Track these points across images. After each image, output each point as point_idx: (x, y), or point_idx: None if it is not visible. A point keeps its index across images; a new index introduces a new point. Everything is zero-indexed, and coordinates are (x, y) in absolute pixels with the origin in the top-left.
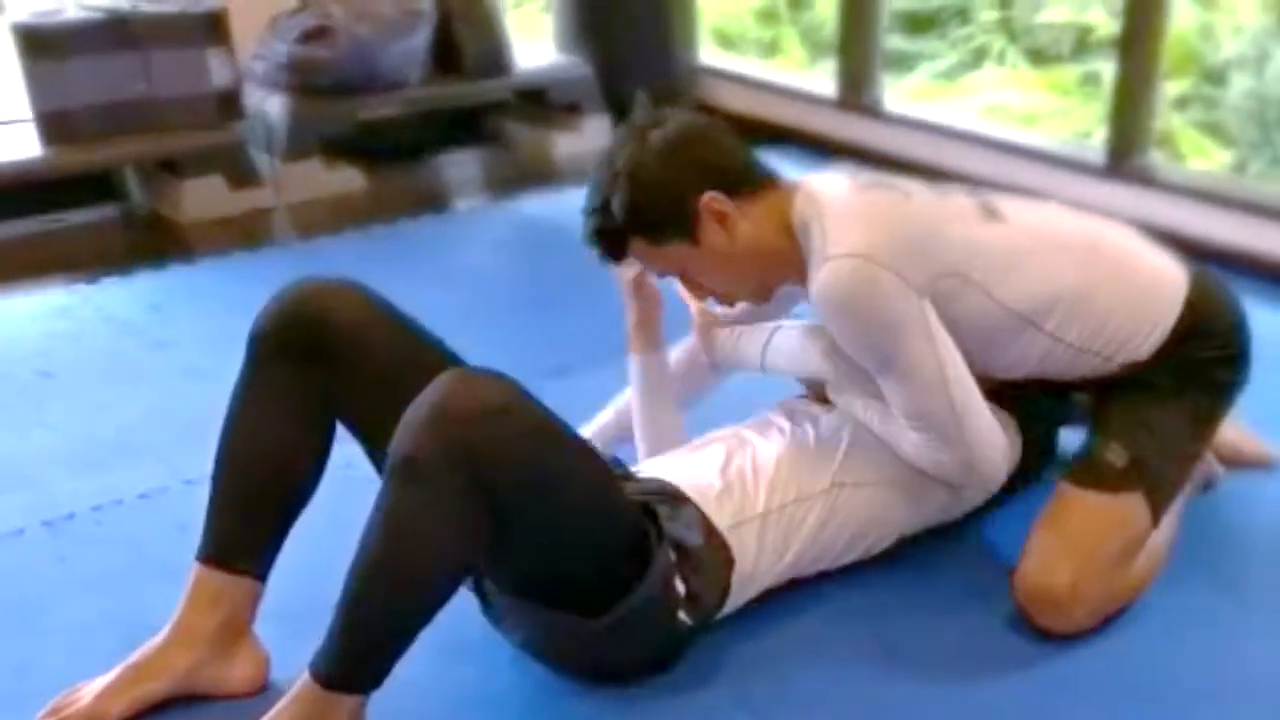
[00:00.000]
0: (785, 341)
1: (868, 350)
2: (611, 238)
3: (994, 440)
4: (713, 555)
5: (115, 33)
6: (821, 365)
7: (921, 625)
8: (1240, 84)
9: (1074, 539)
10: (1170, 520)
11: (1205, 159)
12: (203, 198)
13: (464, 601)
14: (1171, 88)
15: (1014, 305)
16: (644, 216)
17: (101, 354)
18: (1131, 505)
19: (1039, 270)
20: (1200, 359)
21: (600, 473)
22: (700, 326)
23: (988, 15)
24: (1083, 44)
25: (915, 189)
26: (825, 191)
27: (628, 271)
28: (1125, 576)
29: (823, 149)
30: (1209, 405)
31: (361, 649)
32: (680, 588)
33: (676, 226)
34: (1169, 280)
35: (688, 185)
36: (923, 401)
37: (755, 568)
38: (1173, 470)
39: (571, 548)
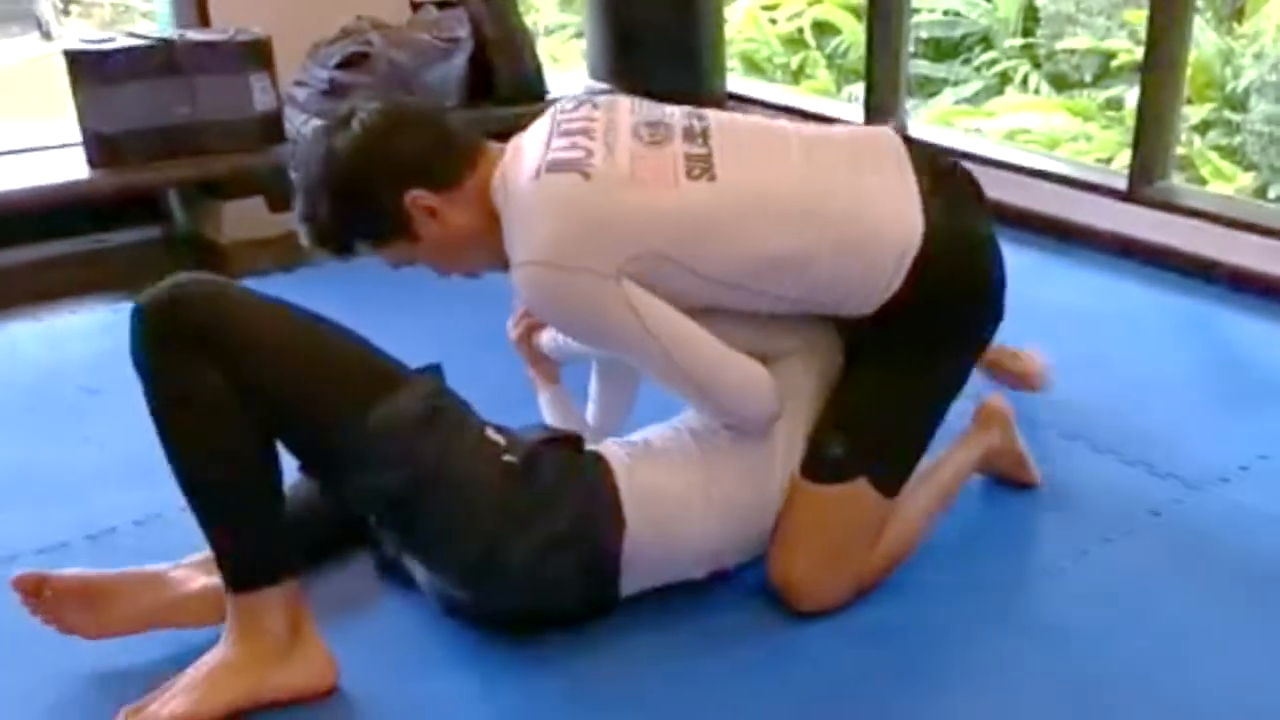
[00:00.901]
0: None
1: (586, 339)
2: (335, 244)
3: (746, 384)
4: (575, 451)
5: (162, 59)
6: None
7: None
8: (1261, 109)
9: (804, 533)
10: (938, 483)
11: (1226, 182)
12: (243, 219)
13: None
14: (1193, 112)
15: (715, 275)
16: (356, 226)
17: None
18: (856, 491)
19: (741, 238)
20: (936, 319)
21: (328, 333)
22: (518, 336)
23: (1011, 42)
24: (1104, 70)
25: (601, 147)
26: (513, 178)
27: (512, 332)
28: (871, 552)
29: None
30: (947, 368)
31: (230, 547)
32: (498, 438)
33: (391, 229)
34: (894, 240)
35: (387, 190)
36: (657, 371)
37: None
38: (903, 441)
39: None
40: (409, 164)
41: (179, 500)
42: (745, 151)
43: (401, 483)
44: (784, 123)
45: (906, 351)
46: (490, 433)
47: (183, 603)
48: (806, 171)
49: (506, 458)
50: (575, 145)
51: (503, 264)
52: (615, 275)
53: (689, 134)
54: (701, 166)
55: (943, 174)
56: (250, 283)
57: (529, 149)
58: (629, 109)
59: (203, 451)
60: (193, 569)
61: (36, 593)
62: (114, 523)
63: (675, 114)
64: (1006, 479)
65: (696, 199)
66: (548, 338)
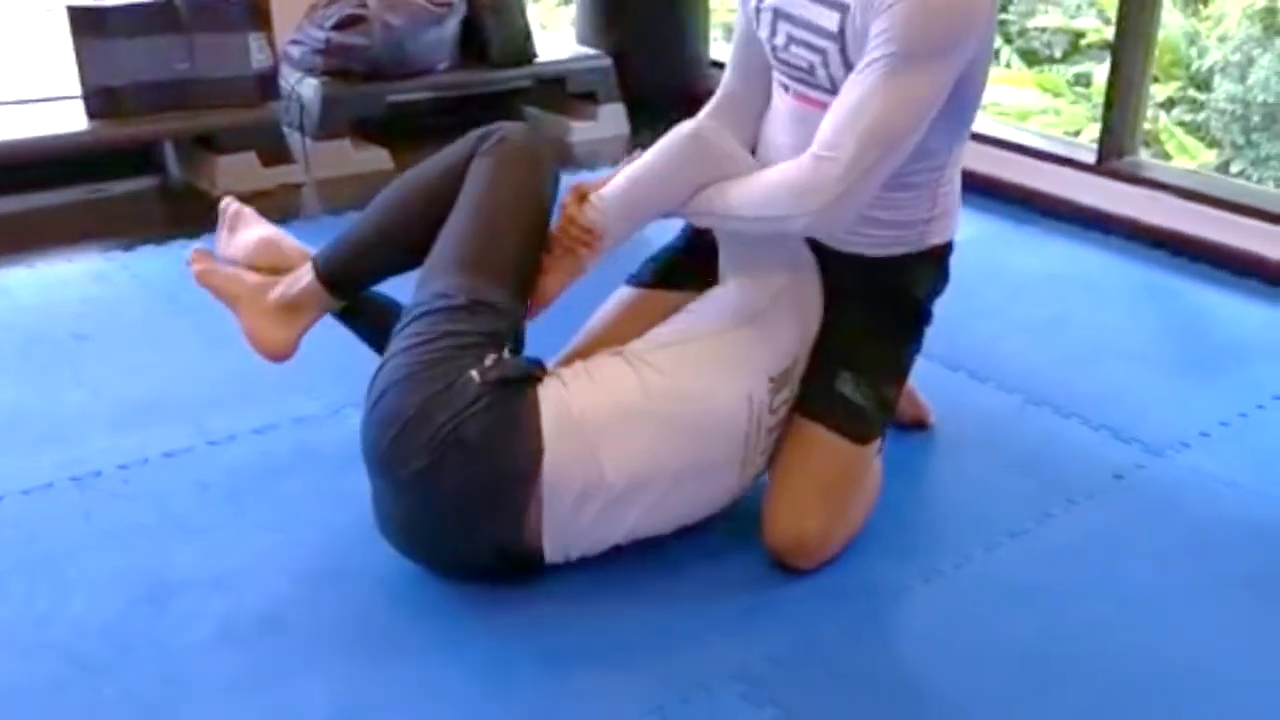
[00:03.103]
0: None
1: (920, 33)
2: None
3: (869, 195)
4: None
5: (163, 16)
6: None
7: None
8: (1225, 89)
9: (824, 485)
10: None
11: (1190, 158)
12: (236, 172)
13: None
14: (1159, 90)
15: (967, 104)
16: None
17: (135, 318)
18: (874, 447)
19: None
20: (932, 288)
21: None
22: (572, 206)
23: None
24: (1074, 47)
25: None
26: None
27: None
28: (861, 509)
29: None
30: (919, 338)
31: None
32: (491, 359)
33: None
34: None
35: None
36: (891, 112)
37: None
38: (898, 399)
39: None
40: None
41: (163, 445)
42: None
43: (426, 315)
44: None
45: (913, 309)
46: (493, 356)
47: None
48: None
49: (473, 372)
50: None
51: None
52: (982, 40)
53: None
54: None
55: None
56: None
57: None
58: None
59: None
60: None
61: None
62: (99, 466)
63: None
64: (909, 422)
65: None
66: (605, 202)
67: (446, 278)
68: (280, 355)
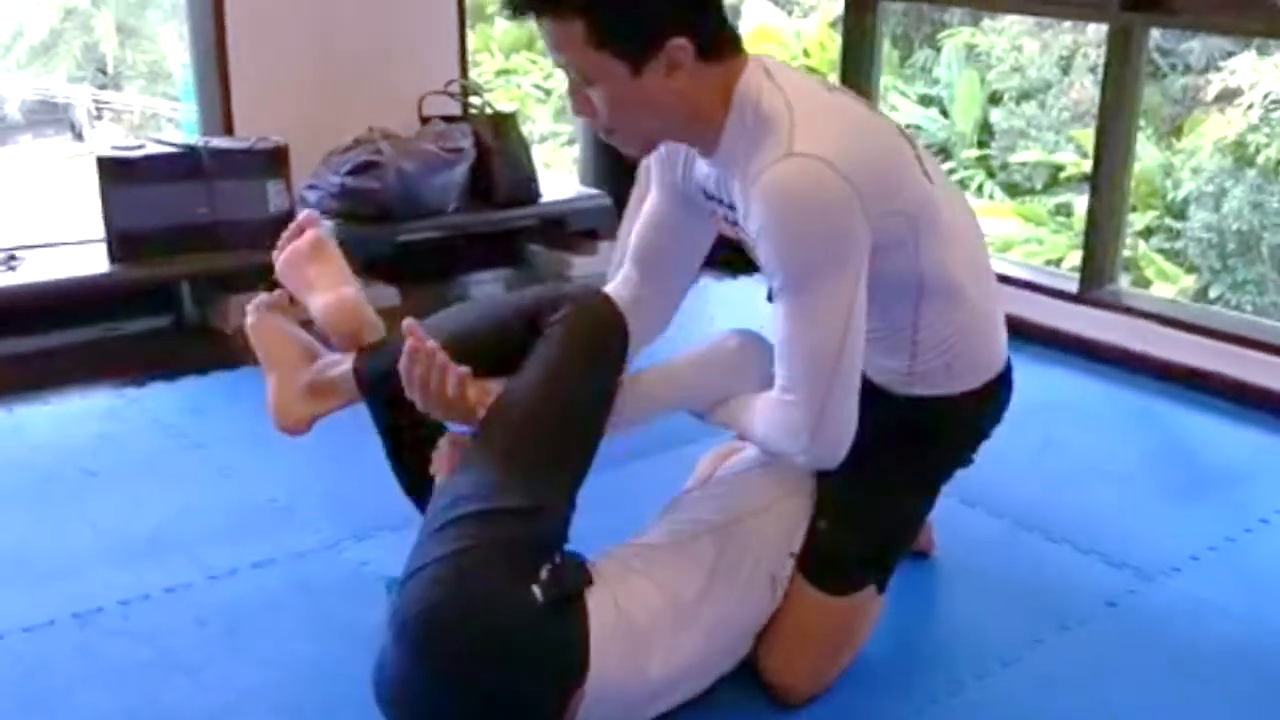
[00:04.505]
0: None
1: (794, 258)
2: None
3: (849, 417)
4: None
5: (187, 164)
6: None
7: None
8: (1200, 217)
9: (808, 638)
10: None
11: (1170, 283)
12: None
13: None
14: (1137, 219)
15: (927, 272)
16: (610, 15)
17: (143, 454)
18: (865, 596)
19: (956, 245)
20: (965, 435)
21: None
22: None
23: (968, 153)
24: (1054, 179)
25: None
26: (792, 81)
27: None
28: (850, 651)
29: None
30: (936, 485)
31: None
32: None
33: (630, 48)
34: (1002, 337)
35: (668, 20)
36: (813, 339)
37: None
38: (904, 543)
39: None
40: (699, 11)
41: (164, 581)
42: (940, 178)
43: (477, 516)
44: None
45: (922, 455)
46: (548, 567)
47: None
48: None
49: (535, 588)
50: (844, 90)
51: (651, 144)
52: (870, 221)
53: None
54: (920, 168)
55: None
56: (253, 369)
57: (792, 71)
58: None
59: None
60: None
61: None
62: (101, 602)
63: None
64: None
65: (934, 192)
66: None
67: (502, 474)
68: (294, 431)
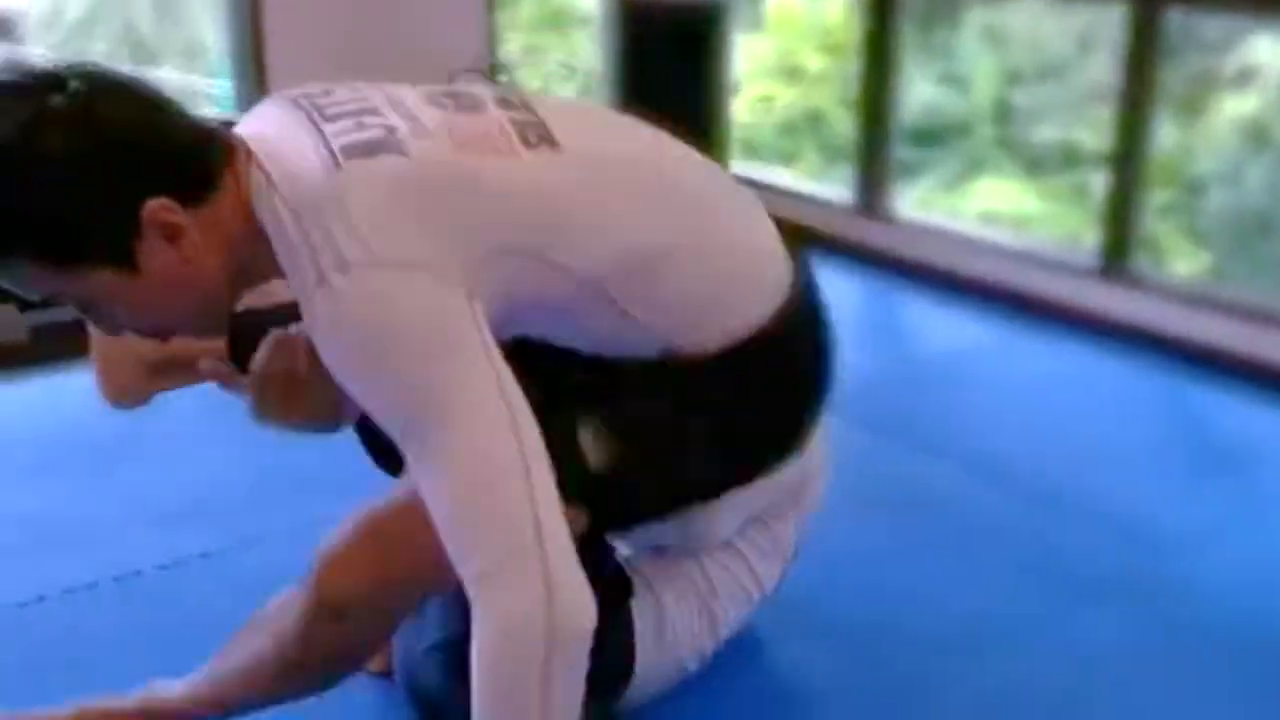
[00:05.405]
0: None
1: (402, 401)
2: None
3: (561, 556)
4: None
5: None
6: None
7: None
8: (1218, 197)
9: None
10: None
11: (1187, 261)
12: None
13: None
14: (1155, 197)
15: (587, 269)
16: (53, 233)
17: (181, 419)
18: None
19: (608, 221)
20: (762, 401)
21: None
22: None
23: (986, 130)
24: (1072, 158)
25: (400, 120)
26: (292, 180)
27: None
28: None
29: (837, 251)
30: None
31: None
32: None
33: (102, 249)
34: (768, 269)
35: (125, 188)
36: (484, 477)
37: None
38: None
39: None
40: (161, 151)
41: (200, 546)
42: (584, 118)
43: None
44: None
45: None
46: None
47: None
48: (662, 150)
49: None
50: (363, 125)
51: (219, 322)
52: (462, 286)
53: (504, 102)
54: (537, 133)
55: (791, 234)
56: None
57: (287, 144)
58: (406, 86)
59: None
60: None
61: None
62: (140, 566)
63: (474, 85)
64: None
65: (546, 171)
66: None
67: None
68: (127, 404)
